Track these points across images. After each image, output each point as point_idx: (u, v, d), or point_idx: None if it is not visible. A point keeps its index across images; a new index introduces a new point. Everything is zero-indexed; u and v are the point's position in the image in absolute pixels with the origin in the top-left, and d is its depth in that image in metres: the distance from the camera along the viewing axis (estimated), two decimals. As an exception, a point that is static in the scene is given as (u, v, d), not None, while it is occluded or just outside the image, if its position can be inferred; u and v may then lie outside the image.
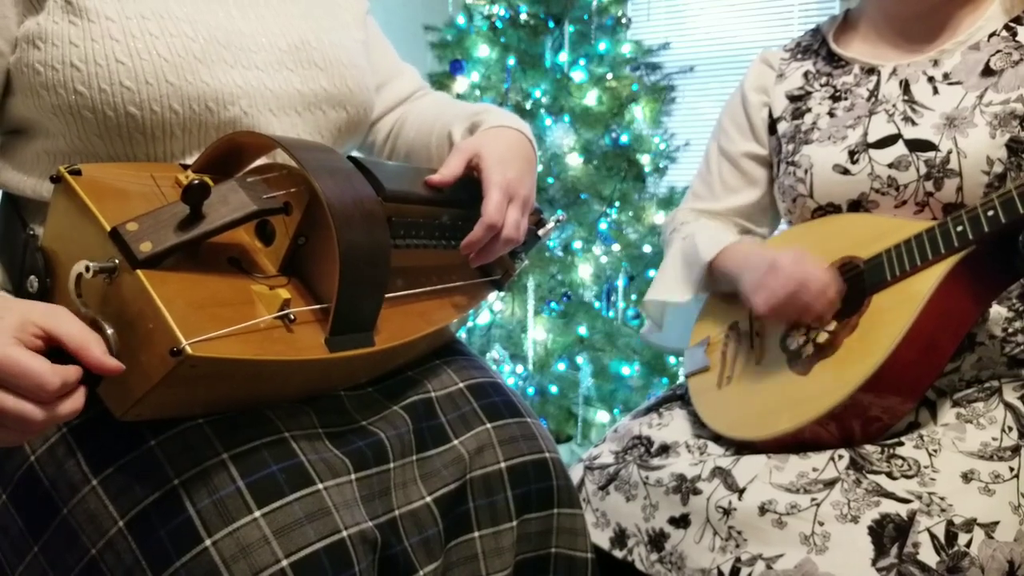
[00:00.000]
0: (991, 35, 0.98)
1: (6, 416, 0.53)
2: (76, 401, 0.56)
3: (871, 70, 1.06)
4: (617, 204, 2.27)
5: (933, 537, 0.78)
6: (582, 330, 2.25)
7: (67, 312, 0.58)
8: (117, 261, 0.58)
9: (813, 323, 0.96)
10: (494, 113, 0.91)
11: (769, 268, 0.97)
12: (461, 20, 2.33)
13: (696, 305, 1.20)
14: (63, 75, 0.71)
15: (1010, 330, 0.94)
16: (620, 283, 2.33)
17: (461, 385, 0.86)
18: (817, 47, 1.14)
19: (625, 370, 2.25)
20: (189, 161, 0.77)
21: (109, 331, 0.58)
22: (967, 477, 0.84)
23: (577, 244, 2.25)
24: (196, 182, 0.60)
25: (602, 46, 2.26)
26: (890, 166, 0.97)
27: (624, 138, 2.25)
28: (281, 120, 0.81)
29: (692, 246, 1.13)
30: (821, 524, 0.82)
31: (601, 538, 1.01)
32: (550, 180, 2.21)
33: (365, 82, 0.90)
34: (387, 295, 0.73)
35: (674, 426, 1.06)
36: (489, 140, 0.84)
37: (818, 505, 0.83)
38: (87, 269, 0.58)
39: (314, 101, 0.84)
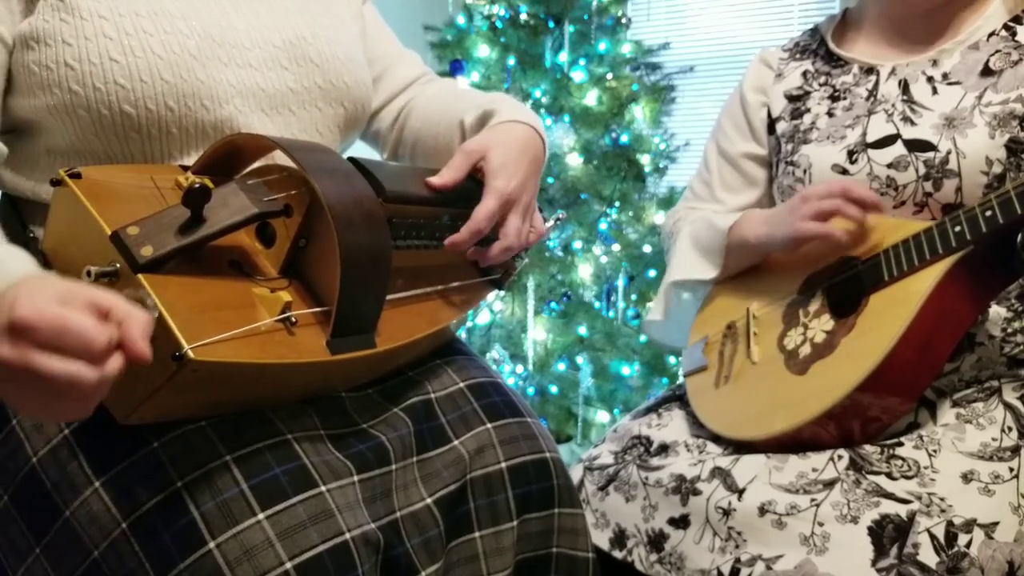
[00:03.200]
0: (990, 35, 0.99)
1: (57, 381, 0.51)
2: (119, 360, 0.53)
3: (870, 70, 1.06)
4: (617, 204, 2.27)
5: (933, 537, 0.78)
6: (582, 330, 2.25)
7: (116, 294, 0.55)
8: (118, 265, 0.58)
9: (865, 221, 0.94)
10: (507, 105, 0.89)
11: (800, 197, 0.97)
12: (461, 20, 2.33)
13: (695, 304, 1.20)
14: (57, 75, 0.71)
15: (1009, 330, 0.94)
16: (620, 283, 2.33)
17: (461, 385, 0.87)
18: (816, 47, 1.14)
19: (625, 370, 2.25)
20: (187, 160, 0.76)
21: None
22: (967, 477, 0.84)
23: (577, 244, 2.25)
24: (197, 185, 0.60)
25: (602, 46, 2.26)
26: (889, 166, 0.97)
27: (624, 138, 2.25)
28: (274, 119, 0.81)
29: (705, 224, 1.13)
30: (821, 525, 0.82)
31: (601, 538, 1.01)
32: (550, 180, 2.21)
33: (363, 77, 0.90)
34: (388, 296, 0.73)
35: (673, 426, 1.06)
36: (496, 140, 0.83)
37: (818, 506, 0.84)
38: (88, 273, 0.58)
39: (308, 99, 0.83)
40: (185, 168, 0.74)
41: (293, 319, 0.65)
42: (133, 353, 0.52)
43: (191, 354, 0.55)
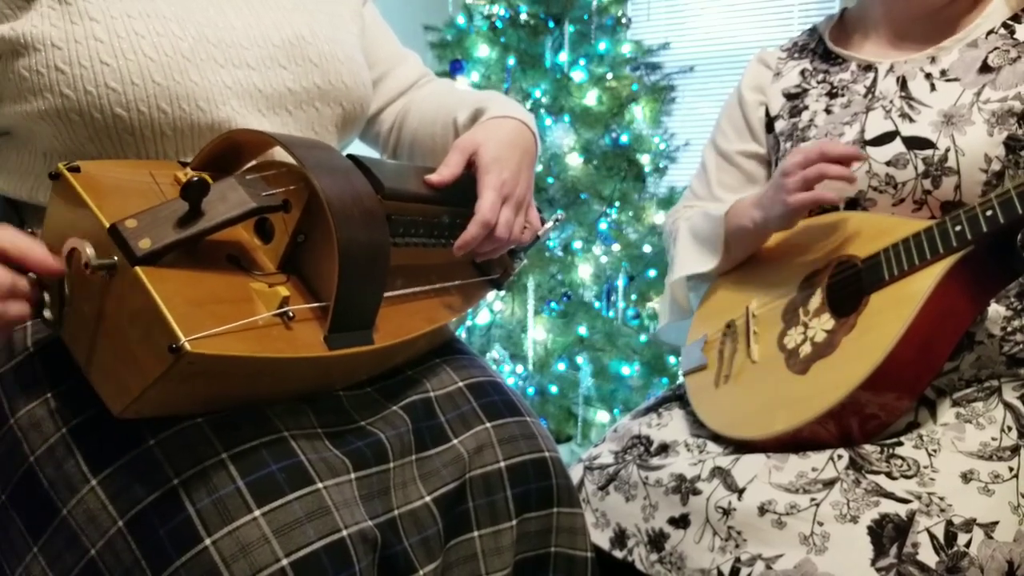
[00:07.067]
0: (989, 32, 0.99)
1: None
2: (23, 306, 0.60)
3: (868, 67, 1.06)
4: (617, 204, 2.27)
5: (932, 537, 0.78)
6: (582, 330, 2.25)
7: (12, 229, 0.61)
8: (116, 258, 0.58)
9: (845, 176, 0.94)
10: (498, 101, 0.90)
11: (781, 172, 0.97)
12: (461, 20, 2.33)
13: (695, 303, 1.20)
14: (48, 79, 0.71)
15: (1009, 329, 0.94)
16: (620, 283, 2.33)
17: (461, 384, 0.86)
18: (814, 46, 1.14)
19: (625, 370, 2.25)
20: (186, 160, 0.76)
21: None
22: (966, 477, 0.84)
23: (577, 244, 2.25)
24: (195, 179, 0.60)
25: (602, 46, 2.26)
26: (888, 164, 0.97)
27: (624, 138, 2.25)
28: (271, 119, 0.81)
29: (702, 217, 1.13)
30: (820, 524, 0.82)
31: (601, 538, 1.01)
32: (550, 180, 2.21)
33: (362, 77, 0.90)
34: (386, 294, 0.73)
35: (673, 426, 1.06)
36: (487, 136, 0.83)
37: (817, 505, 0.83)
38: (86, 266, 0.58)
39: (306, 99, 0.83)
40: (184, 164, 0.74)
41: (291, 314, 0.65)
42: (48, 269, 0.60)
43: (188, 346, 0.55)
